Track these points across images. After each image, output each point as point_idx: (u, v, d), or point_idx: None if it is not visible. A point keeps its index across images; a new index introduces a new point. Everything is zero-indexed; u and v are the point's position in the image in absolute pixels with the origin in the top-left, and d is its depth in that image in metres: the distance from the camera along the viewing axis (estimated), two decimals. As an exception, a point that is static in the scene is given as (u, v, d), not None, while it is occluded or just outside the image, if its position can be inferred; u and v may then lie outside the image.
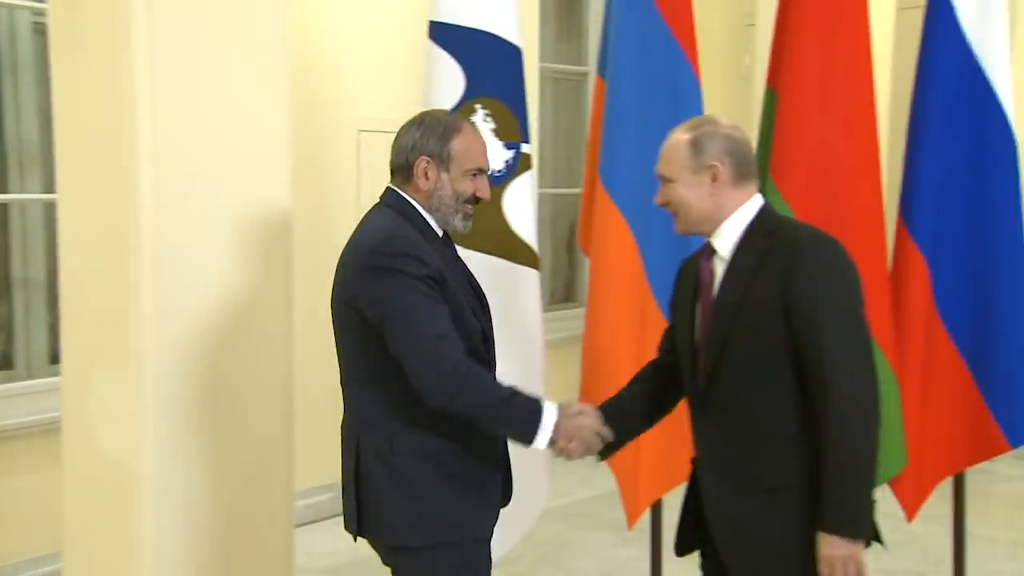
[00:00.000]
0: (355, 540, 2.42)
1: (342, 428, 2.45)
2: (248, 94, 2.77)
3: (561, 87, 6.35)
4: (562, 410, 2.24)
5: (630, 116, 3.17)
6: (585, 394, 3.25)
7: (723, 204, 2.23)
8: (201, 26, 2.66)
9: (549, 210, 6.29)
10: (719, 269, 2.25)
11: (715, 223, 2.24)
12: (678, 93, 3.21)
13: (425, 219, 2.32)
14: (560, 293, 6.53)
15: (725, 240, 2.24)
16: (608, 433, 2.30)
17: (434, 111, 2.47)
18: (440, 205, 2.32)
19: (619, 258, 3.18)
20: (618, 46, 3.19)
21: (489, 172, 2.39)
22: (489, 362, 2.36)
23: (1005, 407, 3.28)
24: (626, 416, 2.42)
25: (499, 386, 2.21)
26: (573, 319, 5.21)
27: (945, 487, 3.41)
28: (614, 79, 3.20)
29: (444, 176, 2.30)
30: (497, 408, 2.19)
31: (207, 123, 2.68)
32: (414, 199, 2.33)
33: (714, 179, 2.22)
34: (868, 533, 2.11)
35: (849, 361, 2.08)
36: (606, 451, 2.39)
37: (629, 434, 2.46)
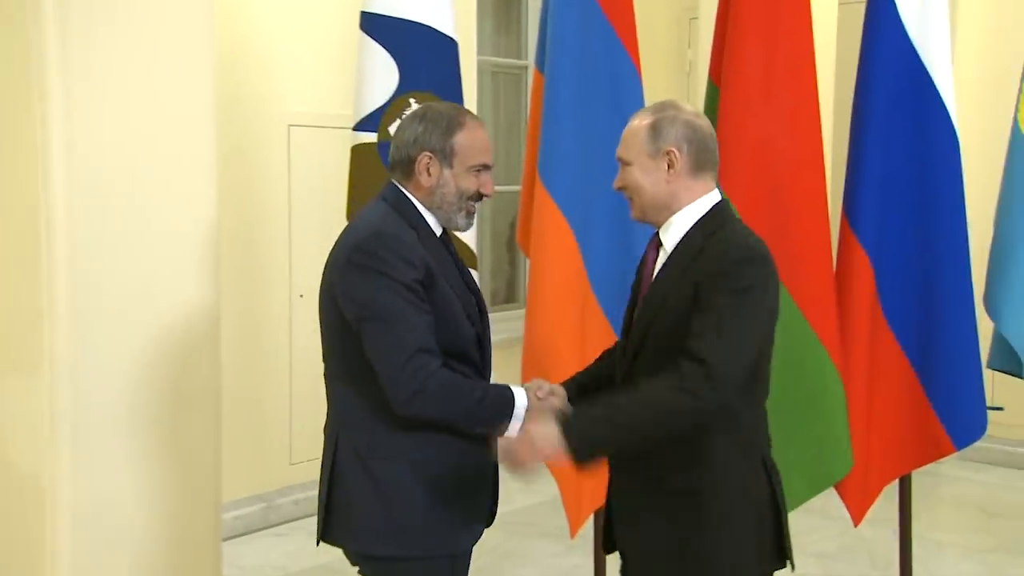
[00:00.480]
0: (316, 544, 2.39)
1: (325, 427, 2.42)
2: (171, 87, 2.74)
3: (500, 81, 6.37)
4: (530, 394, 2.28)
5: (569, 112, 3.20)
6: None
7: (677, 193, 2.26)
8: (118, 16, 2.62)
9: (489, 208, 6.30)
10: (660, 262, 2.29)
11: (668, 212, 2.27)
12: (618, 88, 3.25)
13: (423, 217, 2.32)
14: (501, 293, 6.54)
15: (672, 234, 2.27)
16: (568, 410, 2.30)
17: (436, 104, 2.46)
18: (442, 203, 2.32)
19: (559, 257, 3.21)
20: (556, 39, 3.22)
21: (491, 166, 2.38)
22: (483, 368, 2.37)
23: (950, 408, 3.36)
24: (586, 396, 2.42)
25: (471, 391, 2.23)
26: (515, 320, 5.23)
27: (891, 490, 3.48)
28: (552, 73, 3.23)
29: (447, 172, 2.31)
30: (469, 413, 2.22)
31: (125, 119, 2.65)
32: (415, 196, 2.33)
33: (670, 166, 2.25)
34: (585, 460, 2.10)
35: (710, 352, 2.07)
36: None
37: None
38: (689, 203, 2.26)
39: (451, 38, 3.36)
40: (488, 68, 6.16)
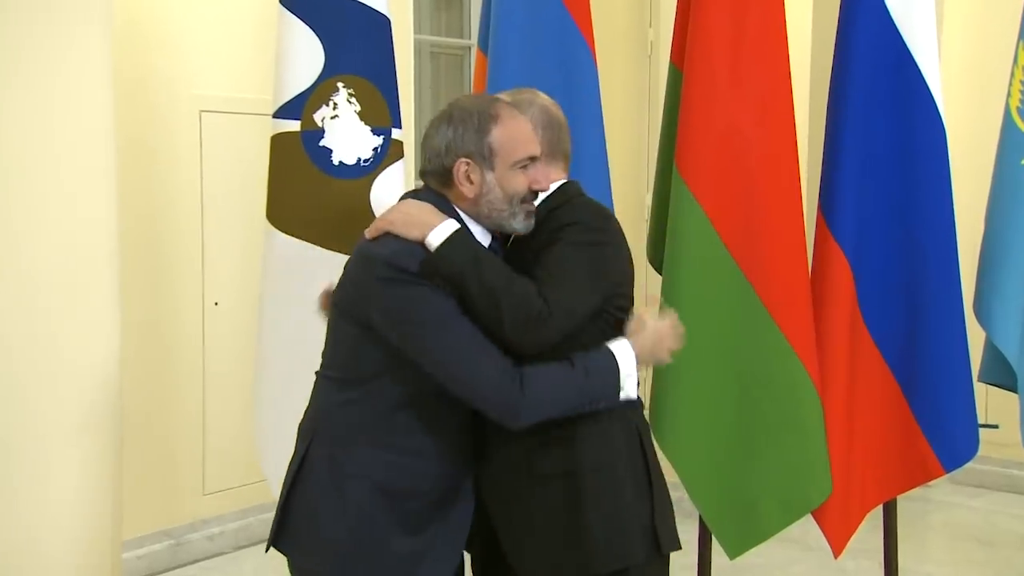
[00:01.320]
0: (266, 550, 2.40)
1: (300, 424, 2.43)
2: (59, 66, 2.71)
3: (441, 63, 6.37)
4: (633, 340, 2.32)
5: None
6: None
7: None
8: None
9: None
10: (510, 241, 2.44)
11: None
12: (570, 71, 3.28)
13: (465, 225, 2.30)
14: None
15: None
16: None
17: (461, 100, 2.42)
18: (491, 210, 2.31)
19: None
20: (501, 17, 3.25)
21: (538, 157, 2.36)
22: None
23: (938, 426, 3.41)
24: None
25: (566, 370, 2.23)
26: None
27: (875, 517, 3.52)
28: (496, 54, 3.25)
29: (490, 177, 2.29)
30: (579, 394, 2.25)
31: (8, 103, 2.61)
32: (459, 207, 2.32)
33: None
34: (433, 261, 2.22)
35: (553, 289, 2.22)
36: None
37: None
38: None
39: (384, 15, 3.37)
40: (426, 48, 6.17)
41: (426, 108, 6.15)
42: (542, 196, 2.39)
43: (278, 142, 3.33)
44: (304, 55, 3.27)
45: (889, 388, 3.42)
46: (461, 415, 2.32)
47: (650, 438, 2.49)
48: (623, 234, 2.44)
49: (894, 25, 3.34)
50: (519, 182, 2.31)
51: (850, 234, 3.32)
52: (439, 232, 2.21)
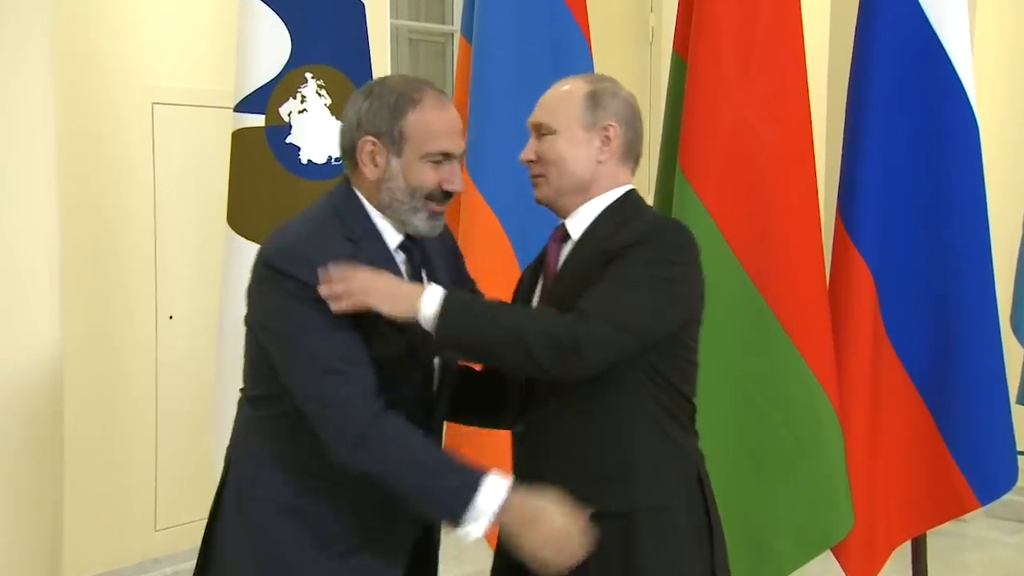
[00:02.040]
0: None
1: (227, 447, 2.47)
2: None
3: (421, 51, 6.40)
4: (518, 489, 2.20)
5: (503, 90, 3.25)
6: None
7: (601, 177, 2.38)
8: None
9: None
10: (565, 254, 2.40)
11: (582, 198, 2.38)
12: (563, 61, 3.30)
13: (373, 225, 2.32)
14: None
15: (579, 223, 2.39)
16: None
17: (391, 77, 2.44)
18: (391, 201, 2.31)
19: (491, 265, 3.24)
20: (486, 2, 3.27)
21: (458, 156, 2.36)
22: (430, 411, 2.38)
23: (972, 453, 3.42)
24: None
25: (422, 446, 2.22)
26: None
27: (903, 554, 3.53)
28: (482, 42, 3.28)
29: (395, 162, 2.30)
30: (411, 474, 2.20)
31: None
32: (363, 193, 2.34)
33: (604, 143, 2.37)
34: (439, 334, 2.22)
35: (604, 309, 2.20)
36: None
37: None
38: (606, 191, 2.39)
39: (357, -2, 3.39)
40: (404, 35, 6.19)
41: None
42: (605, 204, 2.38)
43: (240, 138, 3.34)
44: (268, 43, 3.28)
45: (917, 410, 3.43)
46: None
47: (709, 480, 2.45)
48: (700, 264, 2.38)
49: (922, 10, 3.37)
50: (426, 176, 2.30)
51: (872, 240, 3.34)
52: (429, 299, 2.20)
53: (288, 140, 3.30)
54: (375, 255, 2.30)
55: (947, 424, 3.42)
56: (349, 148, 2.34)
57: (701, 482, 2.41)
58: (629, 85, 2.44)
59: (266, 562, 2.28)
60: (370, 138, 2.30)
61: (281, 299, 2.22)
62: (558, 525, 2.18)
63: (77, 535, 3.97)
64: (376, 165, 2.30)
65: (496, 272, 3.24)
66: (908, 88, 3.36)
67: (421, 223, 2.33)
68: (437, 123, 2.31)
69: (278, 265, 2.22)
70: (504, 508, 2.17)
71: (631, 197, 2.41)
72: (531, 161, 2.41)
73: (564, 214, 2.40)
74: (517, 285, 2.56)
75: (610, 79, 2.44)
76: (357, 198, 2.34)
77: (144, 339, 4.61)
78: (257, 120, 3.31)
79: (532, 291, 2.45)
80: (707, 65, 3.21)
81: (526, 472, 2.36)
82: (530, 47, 3.28)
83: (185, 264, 4.62)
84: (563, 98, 2.39)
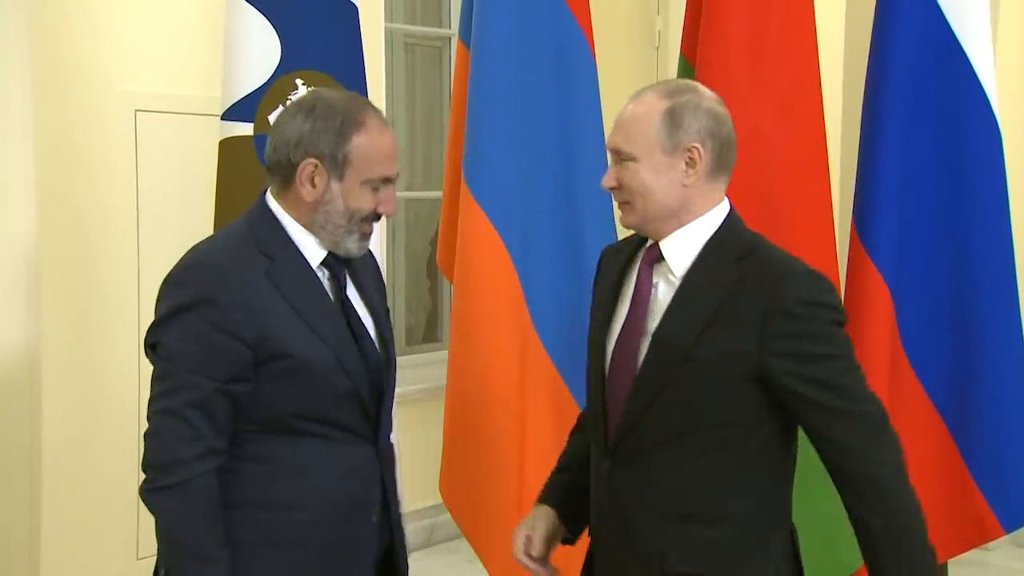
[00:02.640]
0: None
1: None
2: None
3: (417, 56, 6.41)
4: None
5: (502, 96, 3.27)
6: (449, 456, 3.32)
7: (691, 200, 2.33)
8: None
9: (402, 220, 6.32)
10: (663, 287, 2.35)
11: (676, 223, 2.34)
12: (565, 66, 3.33)
13: (290, 241, 2.37)
14: (419, 331, 6.55)
15: (679, 251, 2.34)
16: None
17: (328, 93, 2.47)
18: (327, 222, 2.36)
19: (491, 283, 3.26)
20: (485, 5, 3.29)
21: (393, 179, 2.41)
22: (372, 432, 2.42)
23: (996, 478, 3.43)
24: (580, 497, 2.52)
25: (211, 529, 2.26)
26: (437, 365, 5.24)
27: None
28: (480, 46, 3.30)
29: (335, 186, 2.34)
30: (182, 551, 2.26)
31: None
32: (289, 212, 2.38)
33: (690, 165, 2.31)
34: None
35: (878, 450, 2.29)
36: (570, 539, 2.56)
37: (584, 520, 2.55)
38: (702, 213, 2.34)
39: (350, 1, 3.39)
40: (400, 39, 6.20)
41: (400, 108, 6.18)
42: (708, 230, 2.34)
43: (228, 147, 3.35)
44: (257, 47, 3.29)
45: (936, 432, 3.44)
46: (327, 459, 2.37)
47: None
48: None
49: (941, 11, 3.38)
50: (365, 201, 2.36)
51: (889, 253, 3.36)
52: None
53: (278, 149, 3.31)
54: (293, 270, 2.35)
55: (968, 446, 3.43)
56: (286, 164, 2.36)
57: (794, 545, 2.51)
58: (634, 91, 2.44)
59: None
60: (312, 160, 2.33)
61: (176, 310, 2.29)
62: None
63: (54, 563, 3.97)
64: (315, 187, 2.34)
65: (492, 282, 3.26)
66: (926, 93, 3.37)
67: (352, 245, 2.39)
68: (381, 147, 2.37)
69: (175, 278, 2.33)
70: None
71: (733, 223, 2.37)
72: (613, 188, 2.37)
73: (658, 237, 2.35)
74: (594, 305, 2.51)
75: (690, 88, 2.38)
76: (272, 214, 2.39)
77: (126, 355, 4.60)
78: (245, 128, 3.32)
79: (612, 313, 2.41)
80: (716, 70, 3.23)
81: (602, 502, 2.39)
82: (530, 52, 3.30)
83: (169, 278, 4.63)
84: (640, 120, 2.33)
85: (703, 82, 3.22)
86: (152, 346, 2.30)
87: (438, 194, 3.85)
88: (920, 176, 3.36)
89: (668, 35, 5.49)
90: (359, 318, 2.45)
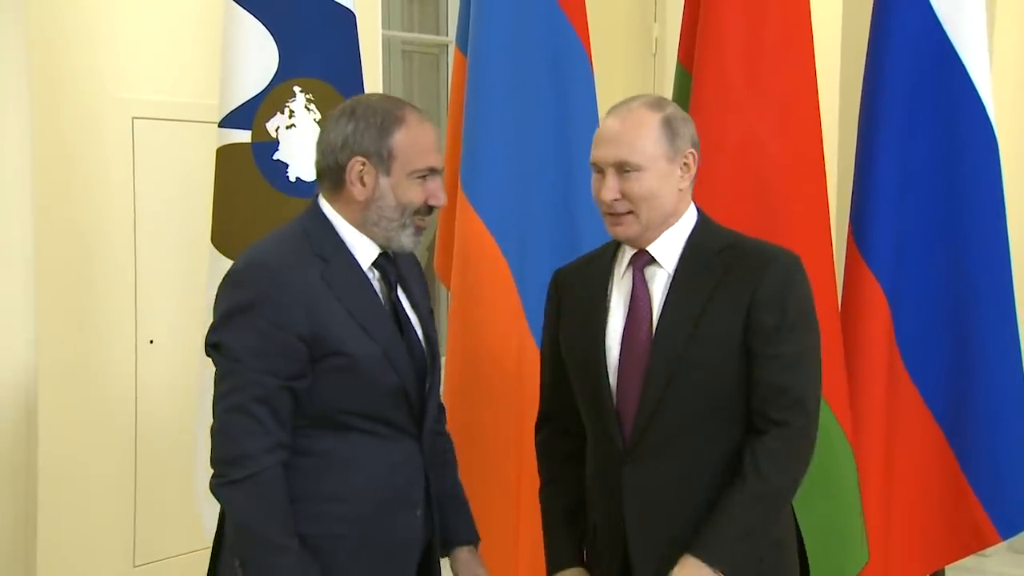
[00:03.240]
0: None
1: None
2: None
3: (414, 63, 6.41)
4: None
5: (499, 102, 3.26)
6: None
7: (679, 203, 2.51)
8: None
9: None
10: (657, 287, 2.49)
11: (665, 227, 2.50)
12: (562, 72, 3.33)
13: (343, 245, 2.43)
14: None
15: (667, 251, 2.50)
16: None
17: (369, 97, 2.56)
18: (380, 218, 2.43)
19: (488, 290, 3.25)
20: (482, 10, 3.29)
21: (441, 171, 2.48)
22: (417, 429, 2.47)
23: (993, 484, 3.44)
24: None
25: (284, 520, 2.32)
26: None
27: (919, 590, 3.53)
28: (477, 55, 3.30)
29: (384, 182, 2.42)
30: (257, 542, 2.31)
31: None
32: (342, 214, 2.45)
33: (684, 170, 2.50)
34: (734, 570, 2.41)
35: (807, 401, 2.44)
36: None
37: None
38: (683, 214, 2.53)
39: (348, 8, 3.39)
40: (397, 46, 6.21)
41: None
42: (687, 227, 2.51)
43: (225, 155, 3.35)
44: (255, 55, 3.28)
45: (933, 439, 3.45)
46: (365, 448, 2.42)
47: None
48: None
49: (937, 20, 3.39)
50: (415, 193, 2.43)
51: (886, 260, 3.36)
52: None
53: (275, 157, 3.31)
54: (347, 272, 2.42)
55: (966, 454, 3.44)
56: (335, 168, 2.44)
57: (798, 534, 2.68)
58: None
59: None
60: (359, 158, 2.41)
61: (237, 308, 2.34)
62: None
63: (50, 570, 3.96)
64: (365, 185, 2.42)
65: (489, 288, 3.26)
66: (923, 100, 3.38)
67: (407, 239, 2.46)
68: (423, 140, 2.44)
69: (234, 278, 2.38)
70: None
71: (705, 219, 2.56)
72: (617, 200, 2.46)
73: (647, 243, 2.49)
74: (570, 323, 2.60)
75: (665, 100, 2.56)
76: (325, 217, 2.46)
77: (123, 364, 4.60)
78: (243, 136, 3.32)
79: (603, 323, 2.51)
80: (713, 78, 3.23)
81: (630, 498, 2.47)
82: (527, 59, 3.30)
83: (167, 286, 4.62)
84: (641, 131, 2.45)
85: (700, 89, 3.25)
86: (214, 346, 2.37)
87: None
88: (916, 182, 3.38)
89: (665, 42, 5.49)
90: (408, 317, 2.51)
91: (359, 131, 2.41)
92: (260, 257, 2.40)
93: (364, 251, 2.45)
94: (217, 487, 2.33)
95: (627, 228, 2.47)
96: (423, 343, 2.52)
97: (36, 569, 2.91)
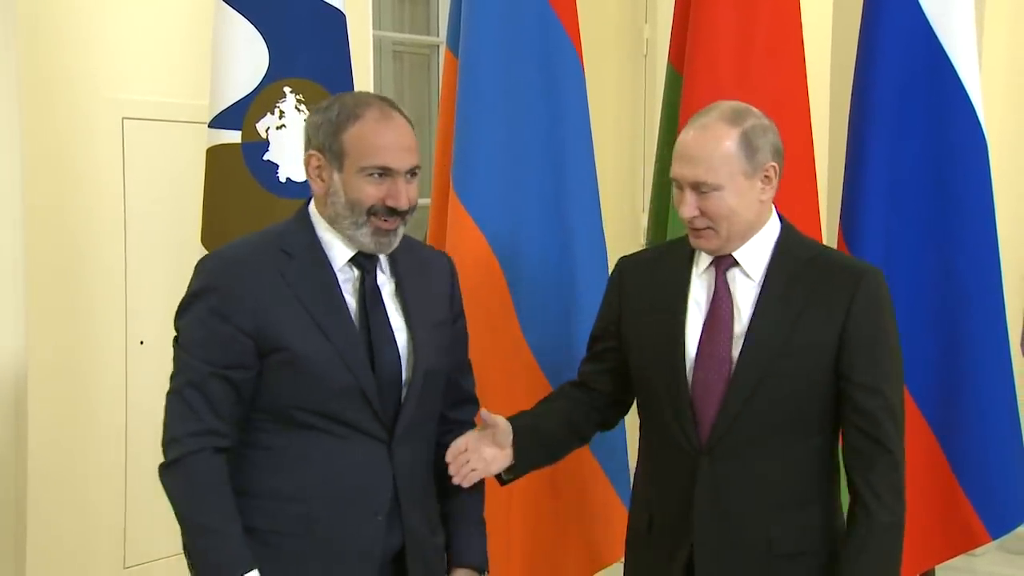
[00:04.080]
0: None
1: None
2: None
3: (405, 63, 6.41)
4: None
5: (490, 103, 3.27)
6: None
7: (761, 214, 2.54)
8: None
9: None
10: (743, 292, 2.53)
11: (751, 234, 2.54)
12: (553, 73, 3.34)
13: (314, 236, 2.45)
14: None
15: (753, 257, 2.54)
16: None
17: (346, 93, 2.58)
18: (335, 215, 2.43)
19: (479, 291, 3.25)
20: (473, 11, 3.29)
21: (406, 172, 2.44)
22: (381, 429, 2.44)
23: (983, 485, 3.46)
24: (537, 438, 2.69)
25: (214, 506, 2.34)
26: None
27: (910, 590, 3.54)
28: (468, 56, 3.30)
29: (336, 178, 2.42)
30: (190, 528, 2.35)
31: None
32: (319, 211, 2.47)
33: (766, 183, 2.51)
34: None
35: (898, 428, 2.50)
36: (508, 475, 2.67)
37: (533, 463, 2.71)
38: (768, 220, 2.57)
39: (338, 9, 3.39)
40: (388, 47, 6.20)
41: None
42: (773, 234, 2.56)
43: (215, 155, 3.34)
44: (245, 55, 3.28)
45: (924, 440, 3.45)
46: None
47: None
48: None
49: (928, 23, 3.40)
50: (364, 191, 2.40)
51: (876, 260, 3.33)
52: None
53: (266, 157, 3.31)
54: (309, 269, 2.42)
55: (956, 454, 3.46)
56: (304, 163, 2.47)
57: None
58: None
59: None
60: (314, 152, 2.43)
61: (189, 297, 2.40)
62: None
63: (41, 572, 3.95)
64: (322, 180, 2.43)
65: (480, 288, 3.26)
66: (912, 101, 3.39)
67: (366, 239, 2.43)
68: (374, 137, 2.41)
69: (202, 265, 2.42)
70: None
71: (789, 227, 2.59)
72: (696, 216, 2.48)
73: (728, 252, 2.53)
74: (643, 307, 2.63)
75: (748, 110, 2.53)
76: (306, 215, 2.48)
77: (114, 366, 4.59)
78: (233, 136, 3.31)
79: (681, 322, 2.54)
80: (703, 78, 3.24)
81: (701, 497, 2.52)
82: (519, 59, 3.30)
83: (157, 287, 4.61)
84: (718, 150, 2.45)
85: (691, 90, 3.26)
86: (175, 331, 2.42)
87: (426, 201, 3.84)
88: (906, 183, 3.39)
89: (656, 42, 5.49)
90: (383, 317, 2.47)
91: (319, 126, 2.42)
92: (222, 250, 2.45)
93: (339, 250, 2.45)
94: (159, 470, 2.38)
95: (708, 242, 2.51)
96: (406, 348, 2.48)
97: (26, 570, 2.90)
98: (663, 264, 2.63)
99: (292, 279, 2.38)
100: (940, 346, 3.43)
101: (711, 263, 2.55)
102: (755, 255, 2.52)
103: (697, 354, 2.51)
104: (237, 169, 3.30)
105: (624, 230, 4.76)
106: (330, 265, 2.44)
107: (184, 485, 2.34)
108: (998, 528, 3.48)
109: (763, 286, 2.50)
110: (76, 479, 4.50)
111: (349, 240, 2.44)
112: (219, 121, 3.33)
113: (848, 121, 3.45)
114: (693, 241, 2.53)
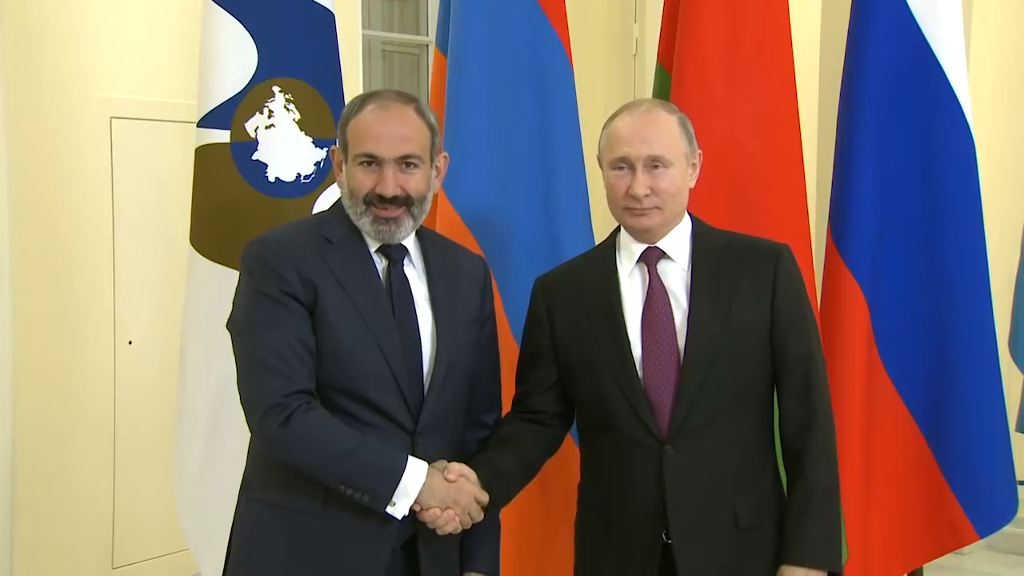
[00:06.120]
0: None
1: None
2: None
3: (395, 63, 6.40)
4: (434, 472, 2.41)
5: (478, 102, 3.26)
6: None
7: (686, 200, 2.65)
8: None
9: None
10: (675, 282, 2.61)
11: (675, 223, 2.64)
12: (542, 73, 3.33)
13: (353, 229, 2.50)
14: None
15: (677, 246, 2.64)
16: (486, 499, 2.53)
17: (380, 90, 2.60)
18: (346, 206, 2.50)
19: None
20: (462, 11, 3.29)
21: (397, 161, 2.45)
22: (407, 416, 2.45)
23: (971, 484, 3.44)
24: (504, 479, 2.62)
25: (344, 435, 2.36)
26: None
27: (898, 589, 3.53)
28: (457, 56, 3.29)
29: (345, 168, 2.50)
30: (336, 462, 2.34)
31: None
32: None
33: (693, 168, 2.66)
34: (840, 565, 2.58)
35: (826, 391, 2.62)
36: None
37: (507, 499, 2.68)
38: (685, 211, 2.67)
39: (327, 8, 3.38)
40: (377, 46, 6.20)
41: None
42: (689, 225, 2.66)
43: (203, 155, 3.33)
44: (234, 54, 3.27)
45: (912, 439, 3.45)
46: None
47: None
48: None
49: (915, 22, 3.40)
50: (357, 180, 2.46)
51: (865, 262, 3.37)
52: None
53: (254, 157, 3.30)
54: (348, 252, 2.47)
55: (944, 454, 3.45)
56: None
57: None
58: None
59: (251, 562, 2.45)
60: (336, 147, 2.52)
61: (240, 285, 2.44)
62: (468, 494, 2.45)
63: (30, 573, 3.94)
64: (340, 171, 2.50)
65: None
66: (900, 101, 3.39)
67: (368, 228, 2.48)
68: (366, 127, 2.46)
69: (244, 251, 2.45)
70: (426, 488, 2.38)
71: (697, 218, 2.69)
72: (647, 195, 2.56)
73: (655, 240, 2.62)
74: (577, 318, 2.65)
75: (672, 103, 2.75)
76: (342, 205, 2.52)
77: (102, 366, 4.58)
78: (222, 136, 3.30)
79: (619, 320, 2.59)
80: (693, 78, 3.24)
81: (672, 485, 2.56)
82: (508, 59, 3.29)
83: (145, 287, 4.60)
84: (669, 129, 2.60)
85: (680, 90, 3.26)
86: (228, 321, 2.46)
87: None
88: (895, 182, 3.38)
89: (645, 43, 5.49)
90: (409, 307, 2.51)
91: (340, 121, 2.51)
92: (265, 235, 2.49)
93: (368, 240, 2.50)
94: (271, 439, 2.36)
95: (651, 219, 2.58)
96: (432, 342, 2.51)
97: (14, 572, 2.88)
98: (584, 274, 2.70)
99: (331, 262, 2.43)
100: (928, 345, 3.42)
101: (639, 260, 2.62)
102: (679, 244, 2.62)
103: (643, 349, 2.57)
104: (226, 169, 3.29)
105: (612, 228, 4.74)
106: (369, 253, 2.49)
107: (307, 429, 2.34)
108: (986, 527, 3.47)
109: (692, 273, 2.60)
110: (64, 479, 4.48)
111: (364, 231, 2.50)
112: (208, 120, 3.32)
113: (837, 120, 3.45)
114: (634, 220, 2.59)
